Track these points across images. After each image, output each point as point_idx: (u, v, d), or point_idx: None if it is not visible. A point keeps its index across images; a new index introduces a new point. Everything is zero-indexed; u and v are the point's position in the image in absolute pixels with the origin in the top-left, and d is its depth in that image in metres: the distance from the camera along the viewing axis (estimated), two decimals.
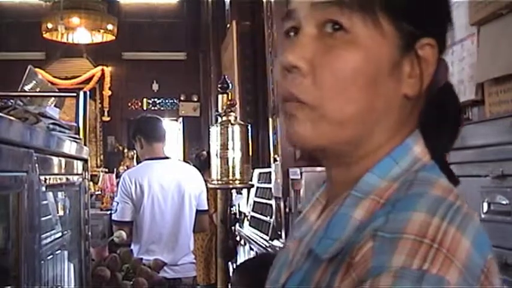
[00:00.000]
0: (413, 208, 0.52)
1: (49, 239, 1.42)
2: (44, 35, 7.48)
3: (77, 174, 1.65)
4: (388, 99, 0.60)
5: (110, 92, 9.13)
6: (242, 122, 2.56)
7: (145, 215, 3.04)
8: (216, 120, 2.58)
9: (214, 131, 2.46)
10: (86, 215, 1.76)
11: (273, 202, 3.99)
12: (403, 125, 0.62)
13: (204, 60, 8.97)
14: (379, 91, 0.59)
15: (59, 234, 1.54)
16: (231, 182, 2.45)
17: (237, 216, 4.89)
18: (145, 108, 9.58)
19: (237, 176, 2.44)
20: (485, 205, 1.27)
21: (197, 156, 5.28)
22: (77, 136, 1.77)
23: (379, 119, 0.60)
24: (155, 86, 9.68)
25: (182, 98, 9.67)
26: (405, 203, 0.54)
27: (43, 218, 1.25)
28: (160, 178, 3.09)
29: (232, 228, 2.78)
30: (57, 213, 1.58)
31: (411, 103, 0.62)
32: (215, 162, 2.45)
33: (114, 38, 7.75)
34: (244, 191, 4.92)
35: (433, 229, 0.50)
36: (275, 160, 3.96)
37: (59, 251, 1.53)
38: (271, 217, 4.02)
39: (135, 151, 6.19)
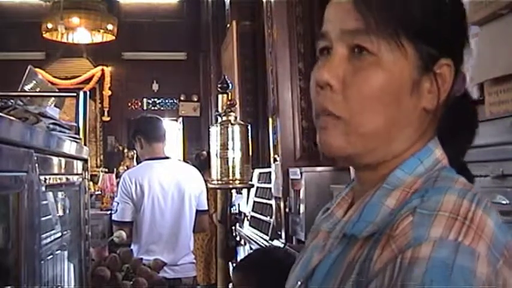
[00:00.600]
0: (445, 192, 0.60)
1: (49, 239, 1.41)
2: (44, 35, 7.49)
3: (77, 174, 1.65)
4: (409, 113, 0.68)
5: (110, 92, 9.13)
6: (242, 122, 2.55)
7: (145, 215, 3.04)
8: (216, 120, 2.58)
9: (214, 131, 2.46)
10: (86, 215, 1.76)
11: (273, 202, 3.99)
12: (424, 134, 0.70)
13: (204, 60, 8.97)
14: (401, 107, 0.67)
15: (59, 234, 1.54)
16: (231, 182, 2.45)
17: (237, 216, 4.90)
18: (145, 108, 9.58)
19: (237, 176, 2.43)
20: None
21: (197, 156, 5.28)
22: (77, 136, 1.77)
23: (401, 129, 0.69)
24: (155, 86, 9.68)
25: (182, 98, 9.68)
26: (437, 189, 0.62)
27: (43, 218, 1.25)
28: (160, 178, 3.09)
29: (232, 228, 2.78)
30: (57, 213, 1.58)
31: (430, 114, 0.70)
32: (215, 162, 2.45)
33: (114, 38, 7.75)
34: (244, 191, 4.92)
35: (464, 209, 0.58)
36: (275, 160, 3.96)
37: (59, 251, 1.53)
38: (271, 217, 4.02)
39: (135, 151, 6.19)
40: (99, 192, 6.51)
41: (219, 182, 2.46)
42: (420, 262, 0.54)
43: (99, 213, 5.68)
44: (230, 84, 2.57)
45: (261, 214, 4.48)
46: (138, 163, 4.04)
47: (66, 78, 8.53)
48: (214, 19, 7.94)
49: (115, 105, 9.28)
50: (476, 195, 0.61)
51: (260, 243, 4.00)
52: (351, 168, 0.77)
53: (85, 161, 1.75)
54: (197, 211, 3.21)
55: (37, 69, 2.55)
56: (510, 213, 1.18)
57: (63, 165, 1.43)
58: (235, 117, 2.54)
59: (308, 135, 3.61)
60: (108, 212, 4.76)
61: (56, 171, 1.36)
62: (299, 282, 0.74)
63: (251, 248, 4.33)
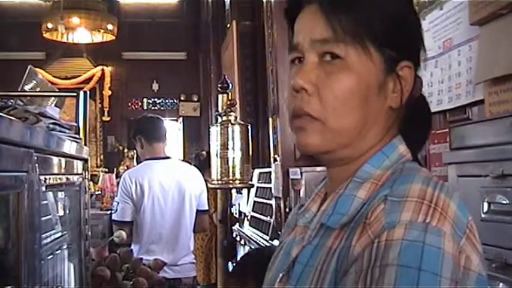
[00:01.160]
0: (411, 181, 0.67)
1: (49, 239, 1.41)
2: (44, 35, 7.48)
3: (77, 174, 1.65)
4: (377, 111, 0.76)
5: (110, 92, 9.13)
6: (242, 122, 2.55)
7: (145, 215, 3.04)
8: (216, 120, 2.57)
9: (214, 131, 2.46)
10: (86, 215, 1.76)
11: (273, 202, 3.99)
12: (389, 131, 0.78)
13: (204, 60, 8.96)
14: (369, 106, 0.74)
15: (59, 234, 1.54)
16: (231, 182, 2.44)
17: (237, 216, 4.90)
18: (145, 108, 9.58)
19: (237, 176, 2.43)
20: (485, 205, 1.27)
21: (197, 156, 5.28)
22: (77, 136, 1.77)
23: (371, 127, 0.76)
24: (155, 86, 9.67)
25: (182, 98, 9.67)
26: (403, 179, 0.69)
27: (43, 218, 1.25)
28: (160, 178, 3.09)
29: (232, 228, 2.78)
30: (57, 213, 1.58)
31: (395, 113, 0.78)
32: (215, 162, 2.45)
33: (114, 38, 7.75)
34: (244, 191, 4.92)
35: (429, 194, 0.65)
36: (275, 160, 3.96)
37: (59, 251, 1.53)
38: (271, 217, 4.02)
39: (135, 151, 6.19)
40: (99, 192, 6.51)
41: (219, 182, 2.45)
42: (395, 244, 0.60)
43: (99, 213, 5.67)
44: (230, 84, 2.56)
45: (261, 214, 4.48)
46: (138, 163, 4.04)
47: (66, 78, 8.53)
48: (214, 19, 7.93)
49: (115, 105, 9.27)
50: (438, 183, 0.67)
51: (260, 243, 4.00)
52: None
53: (85, 161, 1.75)
54: (197, 211, 3.21)
55: (37, 69, 2.55)
56: (510, 213, 1.18)
57: (63, 165, 1.43)
58: (235, 117, 2.53)
59: None
60: (108, 212, 4.76)
61: (56, 171, 1.35)
62: (281, 274, 0.78)
63: (251, 248, 4.33)
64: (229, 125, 2.44)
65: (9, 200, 0.98)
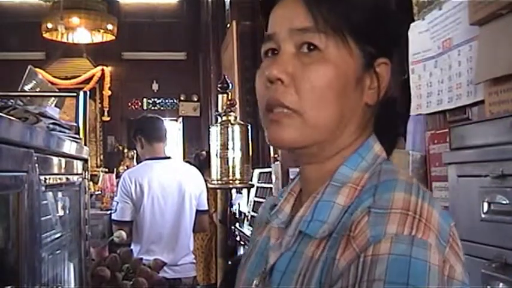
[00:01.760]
0: (393, 189, 0.65)
1: (49, 239, 1.41)
2: (44, 35, 7.48)
3: (77, 174, 1.65)
4: (353, 107, 0.74)
5: (110, 92, 9.13)
6: (242, 122, 2.55)
7: (145, 214, 3.04)
8: (216, 120, 2.58)
9: (214, 131, 2.46)
10: (86, 215, 1.76)
11: None
12: (364, 129, 0.76)
13: (204, 60, 8.96)
14: (347, 100, 0.72)
15: (59, 234, 1.54)
16: (231, 182, 2.44)
17: (237, 215, 4.90)
18: (145, 108, 9.58)
19: (237, 176, 2.43)
20: (485, 205, 1.27)
21: (197, 156, 5.28)
22: (77, 136, 1.77)
23: (347, 123, 0.74)
24: (155, 86, 9.67)
25: (182, 98, 9.67)
26: (385, 186, 0.67)
27: (43, 218, 1.25)
28: (160, 178, 3.09)
29: (232, 228, 2.78)
30: (57, 213, 1.58)
31: (370, 110, 0.76)
32: (215, 162, 2.45)
33: (114, 38, 7.74)
34: (244, 191, 4.92)
35: (413, 204, 0.63)
36: (275, 160, 3.96)
37: (59, 251, 1.53)
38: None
39: (135, 151, 6.20)
40: (99, 192, 6.51)
41: (219, 182, 2.45)
42: (381, 259, 0.59)
43: (99, 213, 5.67)
44: (230, 84, 2.56)
45: None
46: (138, 163, 4.04)
47: (66, 78, 8.53)
48: (214, 19, 7.93)
49: (115, 105, 9.27)
50: (420, 189, 0.66)
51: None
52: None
53: (85, 161, 1.75)
54: (197, 211, 3.21)
55: (37, 69, 2.55)
56: (510, 213, 1.18)
57: (63, 165, 1.43)
58: (235, 117, 2.54)
59: None
60: (108, 212, 4.76)
61: (56, 171, 1.36)
62: (256, 280, 0.76)
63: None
64: (229, 125, 2.44)
65: (9, 200, 0.98)
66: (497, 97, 1.45)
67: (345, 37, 0.72)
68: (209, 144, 2.62)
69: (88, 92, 2.09)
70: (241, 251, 4.66)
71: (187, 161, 4.57)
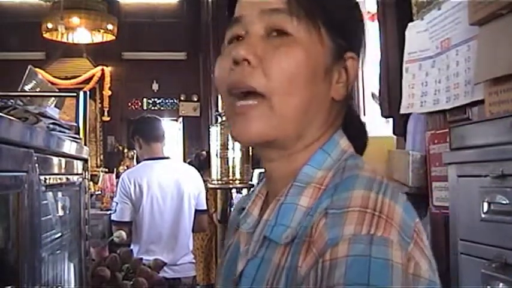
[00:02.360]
0: (352, 187, 0.62)
1: (49, 239, 1.41)
2: (44, 35, 7.48)
3: (77, 174, 1.65)
4: (321, 99, 0.71)
5: (110, 92, 9.12)
6: None
7: (144, 215, 3.04)
8: (216, 120, 2.58)
9: (214, 131, 2.46)
10: (86, 215, 1.76)
11: None
12: (331, 125, 0.73)
13: (204, 60, 8.96)
14: (315, 89, 0.69)
15: (59, 234, 1.54)
16: (231, 182, 2.45)
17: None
18: (145, 108, 9.57)
19: (237, 176, 2.43)
20: (485, 205, 1.27)
21: (197, 156, 5.27)
22: (77, 136, 1.77)
23: (314, 116, 0.71)
24: (155, 86, 9.67)
25: (182, 98, 9.67)
26: (344, 184, 0.64)
27: (43, 218, 1.25)
28: (159, 178, 3.09)
29: None
30: (57, 213, 1.58)
31: (337, 106, 0.74)
32: (215, 162, 2.45)
33: (114, 38, 7.74)
34: (244, 191, 4.91)
35: (372, 201, 0.59)
36: None
37: (59, 251, 1.53)
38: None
39: (135, 151, 6.19)
40: (99, 192, 6.51)
41: (219, 182, 2.46)
42: (339, 262, 0.55)
43: (99, 213, 5.68)
44: None
45: None
46: (138, 163, 4.05)
47: (66, 78, 8.52)
48: (214, 19, 7.92)
49: (115, 105, 9.26)
50: (382, 185, 0.63)
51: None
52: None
53: (85, 161, 1.75)
54: (196, 211, 3.21)
55: (37, 69, 2.55)
56: (510, 213, 1.18)
57: (63, 165, 1.43)
58: None
59: None
60: (108, 212, 4.76)
61: (56, 171, 1.35)
62: None
63: None
64: None
65: (9, 200, 0.98)
66: (497, 97, 1.46)
67: (317, 23, 0.69)
68: (209, 144, 2.63)
69: (88, 92, 2.09)
70: None
71: (188, 162, 4.56)
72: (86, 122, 1.94)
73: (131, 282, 2.31)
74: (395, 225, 0.58)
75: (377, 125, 2.30)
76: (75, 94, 2.01)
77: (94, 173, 7.30)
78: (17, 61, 7.01)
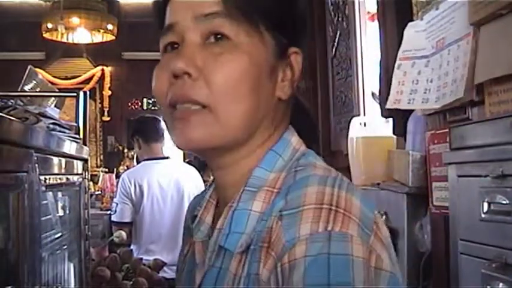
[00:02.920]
0: (305, 185, 0.59)
1: (49, 239, 1.41)
2: (44, 35, 7.47)
3: (77, 174, 1.65)
4: (267, 101, 0.68)
5: (110, 92, 9.12)
6: None
7: (144, 215, 3.04)
8: None
9: None
10: (86, 215, 1.76)
11: None
12: (279, 124, 0.71)
13: None
14: (261, 93, 0.67)
15: (59, 234, 1.54)
16: None
17: None
18: (145, 108, 9.56)
19: None
20: (485, 205, 1.26)
21: (196, 156, 5.27)
22: (77, 136, 1.77)
23: (261, 119, 0.68)
24: None
25: None
26: (297, 184, 0.61)
27: (43, 218, 1.25)
28: (159, 178, 3.09)
29: None
30: (57, 213, 1.58)
31: (284, 104, 0.71)
32: None
33: (114, 38, 7.73)
34: None
35: (327, 196, 0.57)
36: None
37: (59, 251, 1.53)
38: None
39: (134, 151, 6.19)
40: (99, 192, 6.51)
41: None
42: (298, 264, 0.53)
43: (99, 213, 5.67)
44: None
45: None
46: (138, 163, 4.05)
47: (66, 78, 8.52)
48: None
49: (115, 105, 9.26)
50: (337, 179, 0.61)
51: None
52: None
53: (85, 161, 1.75)
54: None
55: (37, 69, 2.55)
56: (510, 213, 1.18)
57: (63, 165, 1.43)
58: None
59: None
60: (108, 212, 4.76)
61: (56, 171, 1.36)
62: None
63: None
64: None
65: (9, 200, 0.98)
66: (497, 97, 1.45)
67: (257, 23, 0.66)
68: None
69: (88, 92, 2.09)
70: None
71: (188, 161, 4.56)
72: (86, 122, 1.94)
73: (131, 282, 2.31)
74: (354, 219, 0.56)
75: (377, 125, 2.30)
76: (75, 94, 2.01)
77: (94, 173, 7.30)
78: (17, 61, 7.01)
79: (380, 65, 2.27)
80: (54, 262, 1.47)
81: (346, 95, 3.12)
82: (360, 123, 2.31)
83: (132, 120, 4.98)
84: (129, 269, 2.40)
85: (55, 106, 1.96)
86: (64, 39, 7.64)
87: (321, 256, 0.53)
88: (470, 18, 1.52)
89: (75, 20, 7.13)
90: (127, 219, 3.06)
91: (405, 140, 2.05)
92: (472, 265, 1.32)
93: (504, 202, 1.20)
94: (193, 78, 0.64)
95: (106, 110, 9.11)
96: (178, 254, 3.07)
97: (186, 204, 3.26)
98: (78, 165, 1.65)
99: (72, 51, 8.57)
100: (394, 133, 2.19)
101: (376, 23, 2.43)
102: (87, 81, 8.80)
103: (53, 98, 2.01)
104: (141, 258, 2.60)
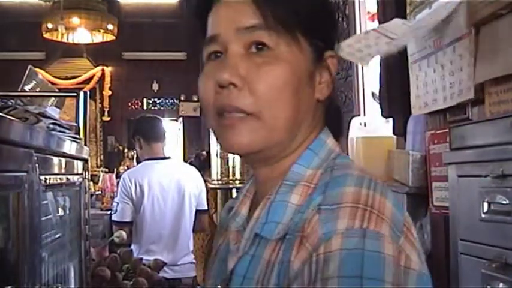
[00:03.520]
0: (343, 184, 0.64)
1: (49, 239, 1.41)
2: (44, 35, 7.48)
3: (77, 174, 1.65)
4: (307, 103, 0.73)
5: (110, 92, 9.12)
6: None
7: (145, 215, 3.04)
8: None
9: None
10: (86, 215, 1.76)
11: None
12: (316, 125, 0.76)
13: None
14: (301, 98, 0.71)
15: (59, 234, 1.54)
16: (231, 182, 2.45)
17: None
18: (145, 108, 9.57)
19: (237, 176, 2.44)
20: (485, 205, 1.27)
21: (197, 156, 5.27)
22: (77, 136, 1.77)
23: (301, 121, 0.73)
24: (155, 86, 9.67)
25: (182, 98, 9.66)
26: (335, 182, 0.66)
27: (43, 218, 1.25)
28: (160, 178, 3.09)
29: None
30: (57, 213, 1.58)
31: (321, 106, 0.76)
32: (215, 162, 2.45)
33: (114, 38, 7.74)
34: None
35: (363, 196, 0.62)
36: None
37: (59, 251, 1.53)
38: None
39: (135, 151, 6.19)
40: (99, 192, 6.51)
41: (219, 182, 2.46)
42: (333, 256, 0.57)
43: (99, 213, 5.67)
44: None
45: None
46: (138, 163, 4.05)
47: (66, 78, 8.52)
48: None
49: (115, 105, 9.26)
50: (372, 181, 0.65)
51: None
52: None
53: (85, 161, 1.75)
54: (197, 211, 3.21)
55: (37, 69, 2.55)
56: (510, 213, 1.18)
57: (63, 165, 1.43)
58: None
59: None
60: (108, 212, 4.76)
61: (56, 171, 1.36)
62: (219, 287, 0.75)
63: None
64: None
65: (9, 200, 0.98)
66: (497, 97, 1.46)
67: (295, 33, 0.71)
68: (209, 144, 2.63)
69: (88, 92, 2.09)
70: None
71: (188, 162, 4.57)
72: (86, 122, 1.94)
73: (131, 282, 2.31)
74: (387, 220, 0.60)
75: (377, 125, 2.30)
76: (75, 94, 2.01)
77: (94, 173, 7.30)
78: (17, 61, 7.01)
79: (380, 65, 2.27)
80: (54, 262, 1.47)
81: (346, 95, 3.12)
82: (360, 123, 2.31)
83: (132, 120, 4.98)
84: (129, 269, 2.40)
85: (55, 106, 1.96)
86: (64, 39, 7.65)
87: (356, 251, 0.57)
88: (471, 18, 1.52)
89: (75, 20, 7.13)
90: (127, 219, 3.06)
91: (405, 140, 2.05)
92: (472, 265, 1.32)
93: (504, 202, 1.20)
94: (238, 88, 0.69)
95: (106, 110, 9.12)
96: (178, 254, 3.07)
97: (187, 204, 3.28)
98: (78, 165, 1.65)
99: (72, 51, 8.57)
100: (394, 133, 2.19)
101: (376, 23, 2.43)
102: (87, 81, 8.80)
103: (53, 98, 2.01)
104: (141, 258, 2.60)
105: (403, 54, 1.97)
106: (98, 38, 7.76)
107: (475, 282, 1.28)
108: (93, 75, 8.91)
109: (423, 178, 1.80)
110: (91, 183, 5.70)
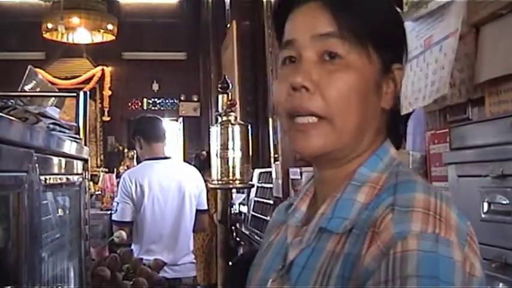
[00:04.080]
0: (413, 190, 0.68)
1: (49, 239, 1.41)
2: (44, 35, 7.48)
3: (77, 174, 1.65)
4: (373, 111, 0.77)
5: (110, 92, 9.13)
6: (242, 122, 2.56)
7: (145, 215, 3.04)
8: (216, 120, 2.58)
9: (214, 131, 2.47)
10: (86, 215, 1.75)
11: (272, 202, 3.99)
12: (381, 132, 0.80)
13: (204, 60, 8.96)
14: (368, 105, 0.75)
15: (59, 234, 1.54)
16: (231, 182, 2.45)
17: (238, 215, 4.89)
18: (145, 108, 9.58)
19: (237, 176, 2.44)
20: (485, 205, 1.26)
21: (197, 156, 5.27)
22: (77, 136, 1.77)
23: (368, 127, 0.77)
24: (155, 86, 9.68)
25: (182, 98, 9.68)
26: (405, 186, 0.70)
27: (43, 218, 1.25)
28: (160, 178, 3.09)
29: (233, 228, 2.78)
30: (57, 213, 1.58)
31: (385, 115, 0.79)
32: (215, 162, 2.45)
33: (114, 38, 7.74)
34: (245, 191, 4.92)
35: (433, 205, 0.66)
36: (275, 160, 3.96)
37: (59, 251, 1.53)
38: (271, 217, 4.02)
39: (135, 151, 6.19)
40: (99, 192, 6.51)
41: (219, 182, 2.46)
42: (410, 255, 0.61)
43: (99, 213, 5.67)
44: (230, 84, 2.57)
45: (261, 214, 4.48)
46: (138, 163, 4.05)
47: (66, 78, 8.53)
48: (214, 19, 7.93)
49: (115, 105, 9.27)
50: (438, 192, 0.69)
51: (260, 243, 4.00)
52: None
53: (85, 161, 1.75)
54: (197, 210, 3.21)
55: (37, 69, 2.55)
56: (510, 213, 1.18)
57: (63, 165, 1.43)
58: (235, 117, 2.54)
59: None
60: (108, 212, 4.76)
61: (56, 171, 1.35)
62: (274, 274, 0.78)
63: (249, 248, 4.33)
64: (229, 125, 2.44)
65: (9, 200, 0.98)
66: (497, 97, 1.46)
67: (366, 43, 0.74)
68: (209, 144, 2.62)
69: (88, 92, 2.09)
70: (241, 251, 4.66)
71: (188, 162, 4.57)
72: (86, 122, 1.94)
73: (131, 282, 2.31)
74: (453, 229, 0.65)
75: None
76: (75, 94, 2.01)
77: (94, 173, 7.31)
78: (17, 61, 7.02)
79: None
80: (54, 262, 1.47)
81: None
82: None
83: (132, 120, 4.98)
84: (130, 269, 2.40)
85: (55, 106, 1.96)
86: (64, 39, 7.65)
87: (431, 254, 0.61)
88: (471, 18, 1.52)
89: (75, 20, 7.13)
90: (128, 219, 3.05)
91: (405, 140, 2.05)
92: None
93: (504, 202, 1.20)
94: (310, 92, 0.73)
95: (106, 110, 9.12)
96: (178, 253, 3.07)
97: (187, 204, 3.28)
98: (78, 165, 1.65)
99: (72, 51, 8.58)
100: None
101: None
102: (87, 81, 8.81)
103: (53, 98, 2.01)
104: (141, 258, 2.60)
105: None
106: (98, 38, 7.76)
107: None
108: (93, 75, 8.91)
109: (423, 178, 1.80)
110: (91, 183, 5.70)
